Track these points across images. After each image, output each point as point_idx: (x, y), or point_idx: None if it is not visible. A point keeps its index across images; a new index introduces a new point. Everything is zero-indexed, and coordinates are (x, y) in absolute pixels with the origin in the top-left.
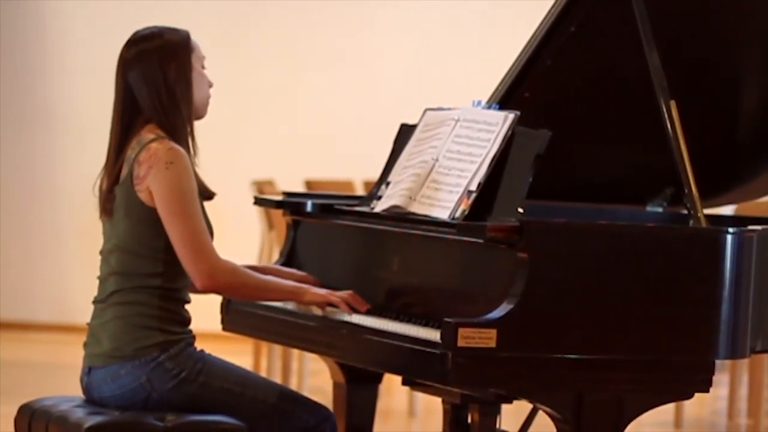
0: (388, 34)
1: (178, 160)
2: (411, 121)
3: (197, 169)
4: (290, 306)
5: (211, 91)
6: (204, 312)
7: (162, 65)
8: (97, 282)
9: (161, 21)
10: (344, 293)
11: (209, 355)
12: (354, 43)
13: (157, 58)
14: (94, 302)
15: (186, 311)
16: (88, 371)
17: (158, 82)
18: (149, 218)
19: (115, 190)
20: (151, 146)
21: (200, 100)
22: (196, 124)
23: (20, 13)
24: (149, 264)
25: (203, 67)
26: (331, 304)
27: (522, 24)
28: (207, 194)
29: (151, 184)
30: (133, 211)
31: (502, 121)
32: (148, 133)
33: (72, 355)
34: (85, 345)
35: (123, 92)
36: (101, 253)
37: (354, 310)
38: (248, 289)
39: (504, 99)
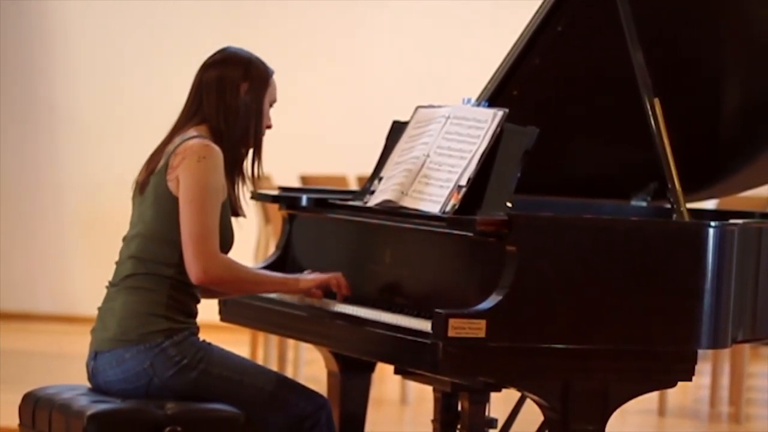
0: (381, 35)
1: (211, 156)
2: (403, 119)
3: (255, 191)
4: (286, 297)
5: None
6: (203, 303)
7: (238, 78)
8: (99, 273)
9: (162, 20)
10: (333, 274)
11: (211, 344)
12: (348, 44)
13: (236, 71)
14: (108, 286)
15: (194, 306)
16: (94, 356)
17: (230, 91)
18: (175, 209)
19: (151, 178)
20: (189, 141)
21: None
22: None
23: (23, 12)
24: (167, 252)
25: (270, 107)
26: (324, 289)
27: (514, 23)
28: (234, 212)
29: (180, 174)
30: (161, 199)
31: (491, 118)
32: (193, 131)
33: (74, 345)
34: (92, 330)
35: (193, 95)
36: (124, 239)
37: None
38: (240, 284)
39: (493, 97)
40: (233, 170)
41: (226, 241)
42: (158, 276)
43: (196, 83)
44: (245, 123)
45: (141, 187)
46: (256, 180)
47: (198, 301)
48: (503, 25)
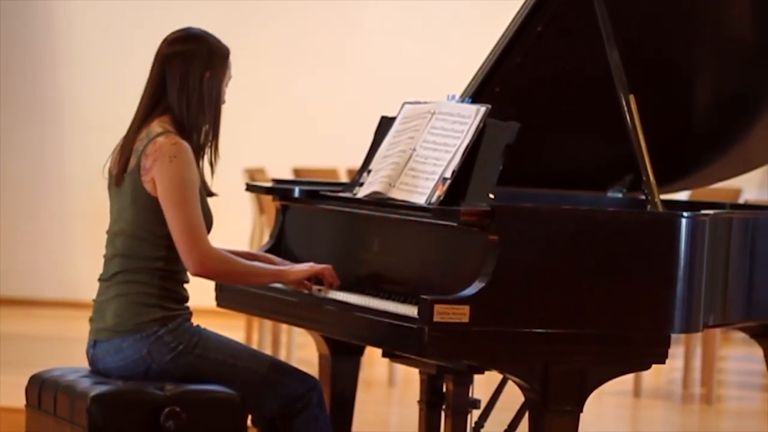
0: (372, 35)
1: (181, 154)
2: (391, 114)
3: (215, 172)
4: (279, 284)
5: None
6: (200, 289)
7: (201, 68)
8: (101, 261)
9: (165, 17)
10: (324, 266)
11: (205, 329)
12: (341, 43)
13: (199, 60)
14: (100, 280)
15: (184, 290)
16: (93, 344)
17: (193, 82)
18: (154, 207)
19: (125, 177)
20: (157, 140)
21: None
22: None
23: (29, 8)
24: (152, 248)
25: (226, 85)
26: (316, 280)
27: (498, 25)
28: (208, 193)
29: (156, 176)
30: (139, 199)
31: (474, 113)
32: (157, 126)
33: (77, 330)
34: (91, 320)
35: (156, 82)
36: (108, 233)
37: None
38: (235, 275)
39: (476, 93)
40: (198, 154)
41: (208, 221)
42: (147, 269)
43: (157, 71)
44: (207, 111)
45: (117, 180)
46: (215, 162)
47: (187, 282)
48: (488, 26)
